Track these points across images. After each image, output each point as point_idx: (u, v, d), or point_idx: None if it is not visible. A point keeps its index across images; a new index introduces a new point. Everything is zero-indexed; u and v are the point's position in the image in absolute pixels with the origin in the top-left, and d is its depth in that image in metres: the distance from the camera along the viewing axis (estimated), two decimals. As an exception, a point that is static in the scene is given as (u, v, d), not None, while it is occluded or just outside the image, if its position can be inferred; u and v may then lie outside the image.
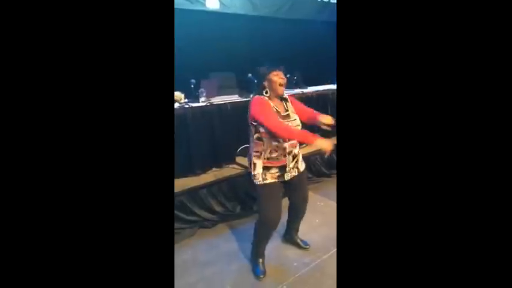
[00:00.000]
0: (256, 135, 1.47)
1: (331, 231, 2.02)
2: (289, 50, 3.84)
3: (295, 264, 1.72)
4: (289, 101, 1.56)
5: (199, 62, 2.99)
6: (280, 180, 1.53)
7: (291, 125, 1.46)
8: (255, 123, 1.45)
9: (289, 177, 1.55)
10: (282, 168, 1.51)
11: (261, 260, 1.68)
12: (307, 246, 1.84)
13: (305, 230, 1.91)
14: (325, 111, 3.05)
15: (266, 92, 1.46)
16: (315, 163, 2.82)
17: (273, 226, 1.56)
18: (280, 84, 1.46)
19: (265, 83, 1.46)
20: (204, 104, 2.33)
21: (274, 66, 1.46)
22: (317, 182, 2.81)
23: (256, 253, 1.68)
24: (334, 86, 3.35)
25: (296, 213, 1.75)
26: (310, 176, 2.78)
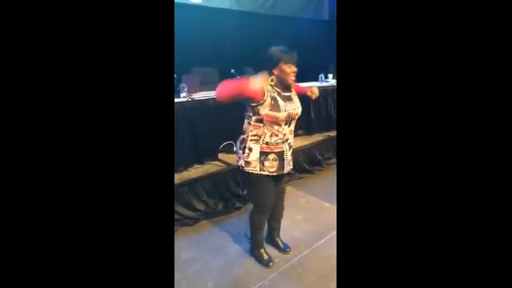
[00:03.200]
0: (254, 117, 1.40)
1: (312, 227, 2.05)
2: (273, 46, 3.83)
3: (276, 260, 1.73)
4: (293, 87, 1.53)
5: (180, 56, 2.91)
6: (278, 172, 1.48)
7: (292, 107, 1.42)
8: (253, 105, 1.37)
9: (287, 170, 1.52)
10: (281, 155, 1.46)
11: (262, 250, 1.72)
12: (288, 250, 1.79)
13: (287, 226, 1.92)
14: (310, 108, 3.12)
15: (272, 80, 1.38)
16: (297, 159, 2.84)
17: (267, 211, 1.60)
18: (292, 76, 1.39)
19: (275, 70, 1.38)
20: (185, 99, 2.28)
21: (288, 54, 1.36)
22: (299, 178, 2.84)
23: (257, 245, 1.72)
24: (319, 84, 3.38)
25: (275, 212, 1.70)
26: (292, 172, 2.80)
